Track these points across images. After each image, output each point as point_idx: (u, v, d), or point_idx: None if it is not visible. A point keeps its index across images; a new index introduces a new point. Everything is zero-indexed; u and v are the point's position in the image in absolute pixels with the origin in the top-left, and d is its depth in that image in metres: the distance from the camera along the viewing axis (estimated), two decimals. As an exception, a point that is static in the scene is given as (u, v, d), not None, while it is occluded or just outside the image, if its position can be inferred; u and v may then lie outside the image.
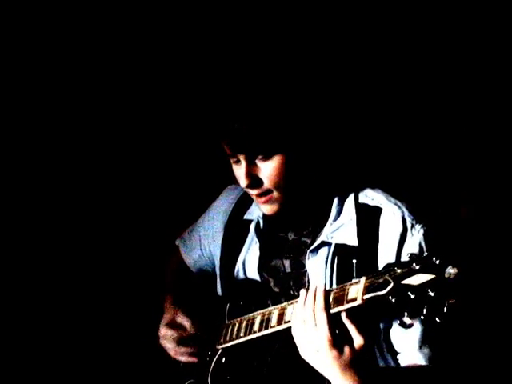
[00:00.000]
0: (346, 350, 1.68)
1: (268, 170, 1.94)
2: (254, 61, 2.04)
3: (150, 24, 2.74)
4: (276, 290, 2.11)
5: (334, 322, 1.69)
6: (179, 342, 2.22)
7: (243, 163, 1.95)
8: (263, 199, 1.99)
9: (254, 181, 1.96)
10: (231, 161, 2.01)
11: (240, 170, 1.97)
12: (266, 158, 1.93)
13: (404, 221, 1.95)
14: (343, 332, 1.69)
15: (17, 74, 2.70)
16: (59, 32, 2.69)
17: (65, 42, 2.71)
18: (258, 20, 2.64)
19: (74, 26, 2.69)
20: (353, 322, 1.69)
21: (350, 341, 1.68)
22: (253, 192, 1.99)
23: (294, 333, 1.77)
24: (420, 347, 1.87)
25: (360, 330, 1.68)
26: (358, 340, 1.68)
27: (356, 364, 1.68)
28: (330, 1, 2.61)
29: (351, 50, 2.62)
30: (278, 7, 2.61)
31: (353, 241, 1.98)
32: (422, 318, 1.50)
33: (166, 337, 2.25)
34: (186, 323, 2.24)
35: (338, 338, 1.68)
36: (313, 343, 1.71)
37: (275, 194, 1.97)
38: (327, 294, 1.73)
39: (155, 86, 2.84)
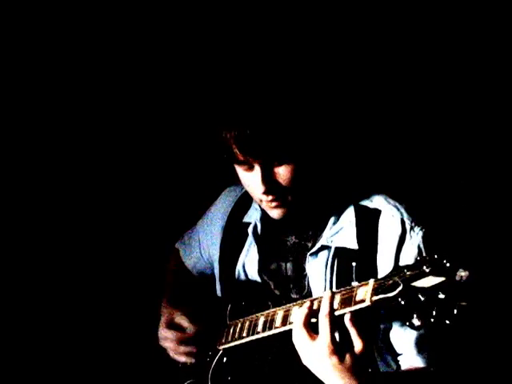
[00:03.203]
0: (347, 356, 1.69)
1: (285, 174, 1.90)
2: (273, 67, 2.02)
3: (159, 29, 2.73)
4: (276, 292, 2.12)
5: (335, 329, 1.70)
6: (179, 342, 2.21)
7: (258, 169, 1.90)
8: (274, 204, 1.96)
9: (271, 187, 1.91)
10: (241, 168, 1.96)
11: (255, 177, 1.92)
12: (282, 163, 1.90)
13: (403, 223, 1.97)
14: (343, 338, 1.70)
15: (17, 74, 2.68)
16: (59, 32, 2.67)
17: (65, 42, 2.70)
18: (275, 29, 2.64)
19: (73, 26, 2.68)
20: (354, 325, 1.69)
21: (350, 347, 1.69)
22: (268, 198, 1.95)
23: (294, 340, 1.77)
24: (420, 349, 1.89)
25: (360, 334, 1.69)
26: (358, 344, 1.69)
27: (356, 370, 1.70)
28: (340, 8, 2.63)
29: (359, 62, 2.63)
30: (293, 18, 2.62)
31: (352, 244, 1.99)
32: (432, 320, 1.51)
33: (166, 338, 2.24)
34: (185, 323, 2.23)
35: (339, 345, 1.69)
36: (314, 351, 1.71)
37: (288, 198, 1.95)
38: (332, 301, 1.72)
39: (162, 88, 2.83)
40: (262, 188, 1.91)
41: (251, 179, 1.95)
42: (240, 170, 1.98)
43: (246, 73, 2.04)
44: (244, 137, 1.86)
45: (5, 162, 2.72)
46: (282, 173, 1.91)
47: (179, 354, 2.22)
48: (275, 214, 2.00)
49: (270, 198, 1.94)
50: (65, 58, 2.72)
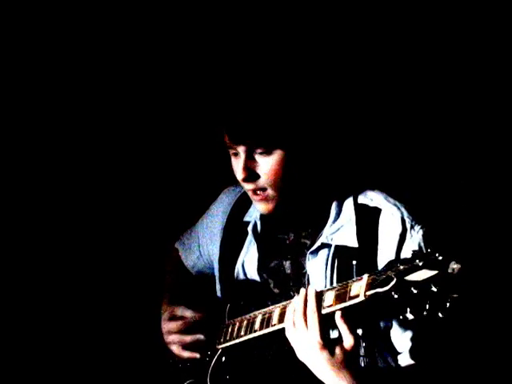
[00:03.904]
0: (337, 351, 1.72)
1: (266, 165, 1.94)
2: (258, 55, 2.05)
3: (150, 21, 2.74)
4: (276, 290, 2.12)
5: (324, 324, 1.73)
6: (184, 332, 2.21)
7: (242, 156, 1.95)
8: (259, 197, 2.00)
9: (251, 175, 1.96)
10: (230, 153, 2.02)
11: (238, 163, 1.97)
12: (266, 153, 1.93)
13: (403, 221, 1.97)
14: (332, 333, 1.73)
15: (17, 74, 2.70)
16: (59, 32, 2.69)
17: (65, 41, 2.71)
18: (261, 18, 2.64)
19: (73, 26, 2.69)
20: (345, 322, 1.71)
21: (340, 342, 1.72)
22: (248, 187, 1.99)
23: (287, 335, 1.80)
24: (419, 348, 1.88)
25: (351, 331, 1.71)
26: (348, 340, 1.71)
27: (348, 364, 1.72)
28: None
29: (352, 51, 2.63)
30: (281, 6, 2.63)
31: (352, 242, 1.99)
32: (425, 313, 1.51)
33: (170, 331, 2.23)
34: (187, 313, 2.23)
35: (329, 340, 1.72)
36: (304, 345, 1.75)
37: (270, 191, 1.98)
38: (319, 296, 1.76)
39: (153, 81, 2.84)
40: (241, 174, 1.96)
41: (236, 165, 2.00)
42: (232, 156, 2.03)
43: (238, 63, 2.07)
44: (231, 121, 1.93)
45: (5, 162, 2.73)
46: (263, 163, 1.95)
47: (184, 348, 2.20)
48: (260, 207, 2.03)
49: (251, 186, 1.98)
50: (65, 58, 2.73)
